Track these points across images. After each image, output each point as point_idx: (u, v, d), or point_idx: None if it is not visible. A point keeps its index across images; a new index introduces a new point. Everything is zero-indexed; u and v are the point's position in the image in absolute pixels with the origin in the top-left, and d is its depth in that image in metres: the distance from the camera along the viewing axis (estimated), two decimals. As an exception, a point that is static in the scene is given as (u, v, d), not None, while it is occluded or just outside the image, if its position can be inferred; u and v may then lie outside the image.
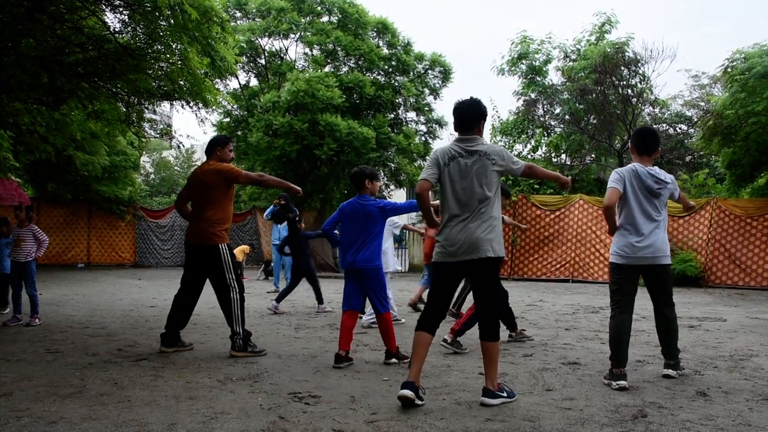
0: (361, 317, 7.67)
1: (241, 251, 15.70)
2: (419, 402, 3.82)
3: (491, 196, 4.00)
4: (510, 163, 4.07)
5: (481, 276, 4.02)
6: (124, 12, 7.40)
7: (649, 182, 4.64)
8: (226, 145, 5.81)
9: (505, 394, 3.97)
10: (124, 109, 9.10)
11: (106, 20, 7.64)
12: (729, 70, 13.30)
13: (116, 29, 7.71)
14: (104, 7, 7.44)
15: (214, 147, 5.75)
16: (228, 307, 5.56)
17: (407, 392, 3.76)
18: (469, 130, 4.13)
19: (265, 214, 11.59)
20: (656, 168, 4.76)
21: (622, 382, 4.35)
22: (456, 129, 4.21)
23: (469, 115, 4.14)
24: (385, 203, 5.38)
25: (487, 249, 3.93)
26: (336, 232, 5.98)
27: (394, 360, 5.26)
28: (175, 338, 5.73)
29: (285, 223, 11.31)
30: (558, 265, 16.19)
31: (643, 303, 10.56)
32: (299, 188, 5.89)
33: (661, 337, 4.80)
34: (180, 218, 20.41)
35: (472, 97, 4.20)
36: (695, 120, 20.61)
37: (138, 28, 7.54)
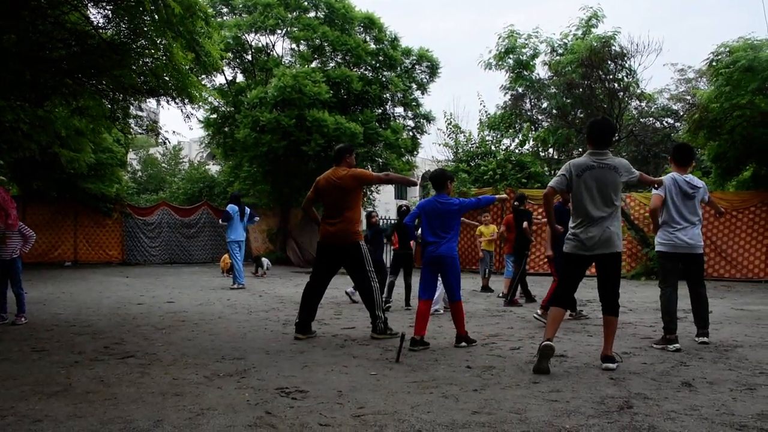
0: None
1: None
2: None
3: None
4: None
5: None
6: (107, 7, 7.34)
7: (685, 188, 5.73)
8: (352, 152, 6.41)
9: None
10: (109, 106, 9.02)
11: (89, 15, 7.57)
12: (714, 63, 13.37)
13: (99, 24, 7.64)
14: (87, 1, 7.37)
15: (343, 154, 6.32)
16: (370, 294, 6.18)
17: (549, 343, 4.59)
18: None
19: (222, 219, 11.99)
20: (690, 176, 5.84)
21: (677, 345, 5.53)
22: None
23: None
24: (461, 201, 5.91)
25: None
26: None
27: (463, 343, 5.71)
28: (308, 326, 6.30)
29: (237, 223, 11.60)
30: (546, 259, 16.21)
31: (629, 296, 10.71)
32: (415, 180, 6.51)
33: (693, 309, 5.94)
34: (168, 216, 20.30)
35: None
36: (681, 113, 20.77)
37: (121, 23, 7.48)
